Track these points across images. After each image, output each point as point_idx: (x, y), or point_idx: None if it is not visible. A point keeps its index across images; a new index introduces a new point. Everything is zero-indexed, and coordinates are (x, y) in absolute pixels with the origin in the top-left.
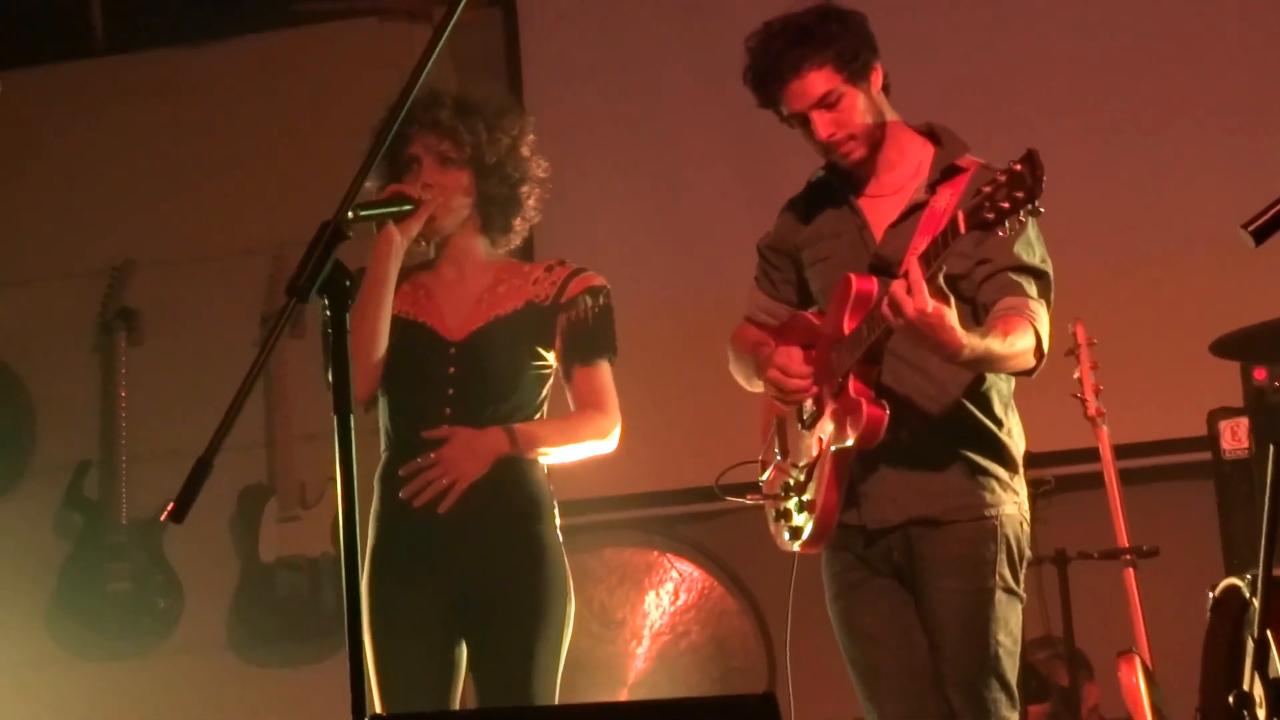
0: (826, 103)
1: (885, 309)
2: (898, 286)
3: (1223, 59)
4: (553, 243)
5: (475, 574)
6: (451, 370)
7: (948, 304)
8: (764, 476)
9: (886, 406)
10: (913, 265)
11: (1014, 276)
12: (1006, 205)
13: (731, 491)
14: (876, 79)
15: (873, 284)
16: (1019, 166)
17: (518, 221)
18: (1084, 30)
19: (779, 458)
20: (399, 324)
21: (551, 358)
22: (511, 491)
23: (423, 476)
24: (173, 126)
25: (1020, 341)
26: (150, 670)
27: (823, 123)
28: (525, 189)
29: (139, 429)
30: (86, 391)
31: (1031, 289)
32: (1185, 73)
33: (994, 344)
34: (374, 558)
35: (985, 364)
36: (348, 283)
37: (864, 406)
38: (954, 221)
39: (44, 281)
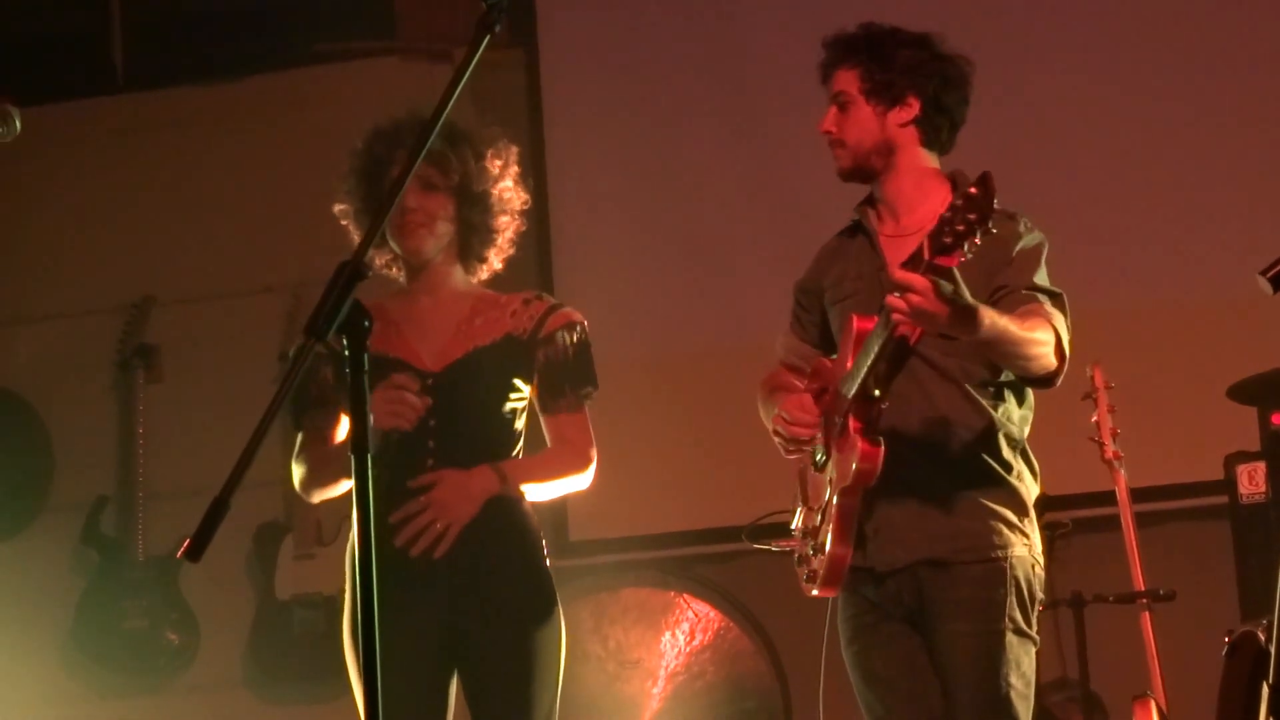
0: (839, 100)
1: (891, 297)
2: (896, 271)
3: (1246, 106)
4: (574, 282)
5: (467, 610)
6: (430, 403)
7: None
8: (794, 524)
9: (882, 443)
10: (895, 269)
11: (1029, 293)
12: (962, 228)
13: (759, 538)
14: (902, 113)
15: (872, 322)
16: (974, 190)
17: (493, 251)
18: (1104, 76)
19: (800, 504)
20: (372, 360)
21: (528, 391)
22: (500, 527)
23: (415, 523)
24: (193, 163)
25: (1038, 333)
26: (165, 707)
27: (828, 116)
28: (506, 219)
29: (156, 466)
30: (104, 428)
31: (1049, 304)
32: (1206, 116)
33: (1011, 324)
34: (357, 599)
35: (1006, 345)
36: (366, 323)
37: (858, 443)
38: (918, 250)
39: (63, 318)
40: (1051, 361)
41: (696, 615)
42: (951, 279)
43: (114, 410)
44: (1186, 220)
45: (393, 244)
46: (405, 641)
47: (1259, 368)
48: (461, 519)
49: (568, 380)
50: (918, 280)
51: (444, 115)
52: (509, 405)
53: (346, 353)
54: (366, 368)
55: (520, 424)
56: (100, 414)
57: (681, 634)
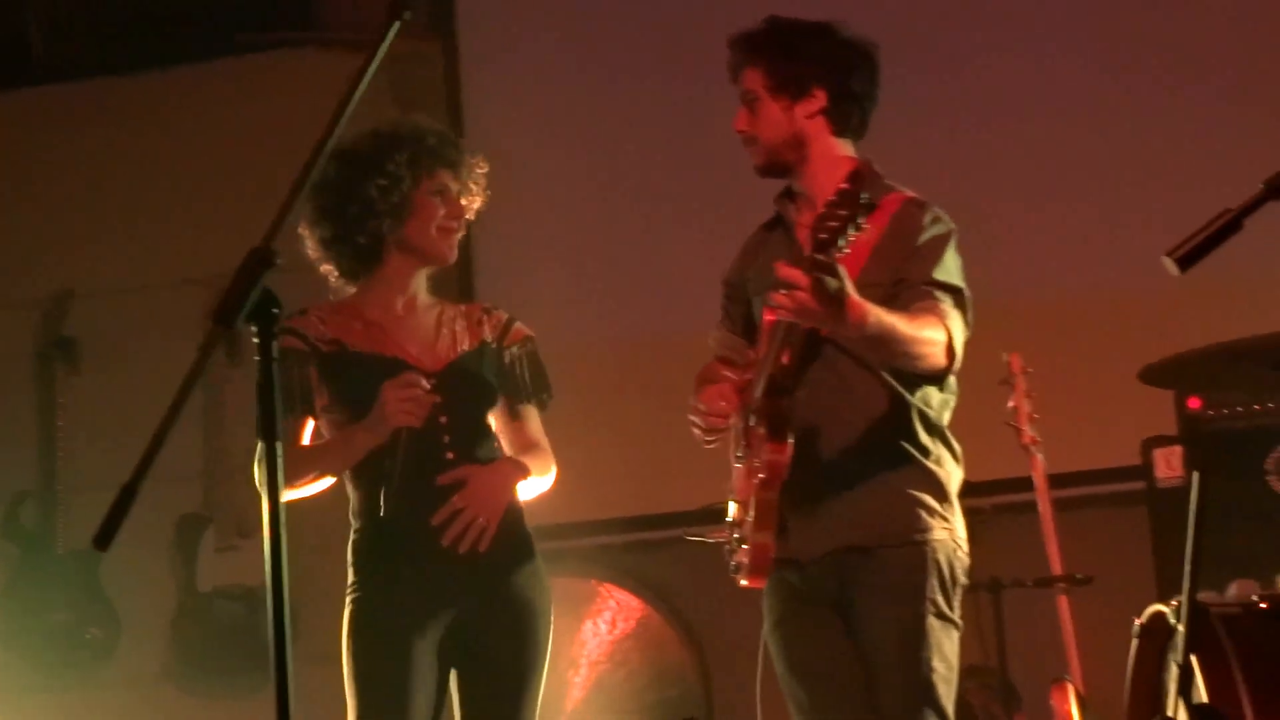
0: (747, 99)
1: (776, 293)
2: (781, 267)
3: (1154, 95)
4: (498, 277)
5: (473, 605)
6: (438, 400)
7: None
8: (729, 516)
9: (790, 438)
10: (779, 266)
11: (928, 288)
12: (835, 224)
13: (693, 530)
14: (809, 105)
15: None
16: (846, 185)
17: None
18: (1015, 66)
19: (733, 495)
20: (368, 360)
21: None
22: (506, 525)
23: (460, 520)
24: (111, 155)
25: (927, 331)
26: (88, 701)
27: (739, 116)
28: None
29: (76, 459)
30: (24, 421)
31: (946, 301)
32: (1114, 106)
33: (899, 322)
34: (372, 590)
35: (892, 343)
36: (275, 310)
37: (765, 441)
38: (799, 244)
39: None
40: (939, 361)
41: (618, 604)
42: (836, 275)
43: (33, 404)
44: (1098, 206)
45: (421, 246)
46: (411, 636)
47: (1174, 350)
48: (500, 512)
49: (531, 387)
50: (799, 276)
51: (351, 106)
52: (493, 406)
53: (255, 340)
54: (276, 356)
55: (498, 426)
56: (19, 407)
57: (603, 623)
